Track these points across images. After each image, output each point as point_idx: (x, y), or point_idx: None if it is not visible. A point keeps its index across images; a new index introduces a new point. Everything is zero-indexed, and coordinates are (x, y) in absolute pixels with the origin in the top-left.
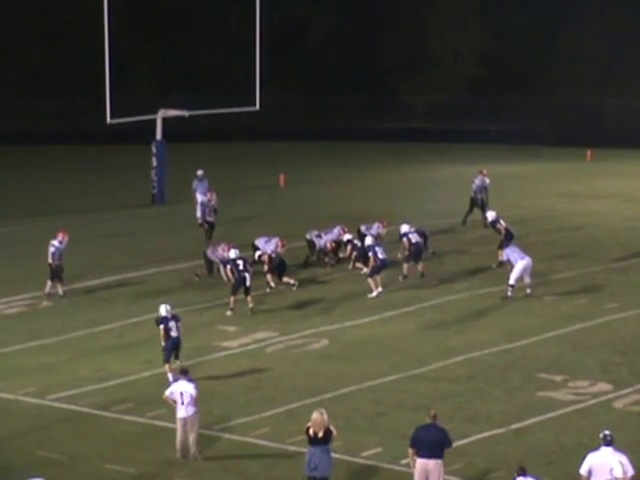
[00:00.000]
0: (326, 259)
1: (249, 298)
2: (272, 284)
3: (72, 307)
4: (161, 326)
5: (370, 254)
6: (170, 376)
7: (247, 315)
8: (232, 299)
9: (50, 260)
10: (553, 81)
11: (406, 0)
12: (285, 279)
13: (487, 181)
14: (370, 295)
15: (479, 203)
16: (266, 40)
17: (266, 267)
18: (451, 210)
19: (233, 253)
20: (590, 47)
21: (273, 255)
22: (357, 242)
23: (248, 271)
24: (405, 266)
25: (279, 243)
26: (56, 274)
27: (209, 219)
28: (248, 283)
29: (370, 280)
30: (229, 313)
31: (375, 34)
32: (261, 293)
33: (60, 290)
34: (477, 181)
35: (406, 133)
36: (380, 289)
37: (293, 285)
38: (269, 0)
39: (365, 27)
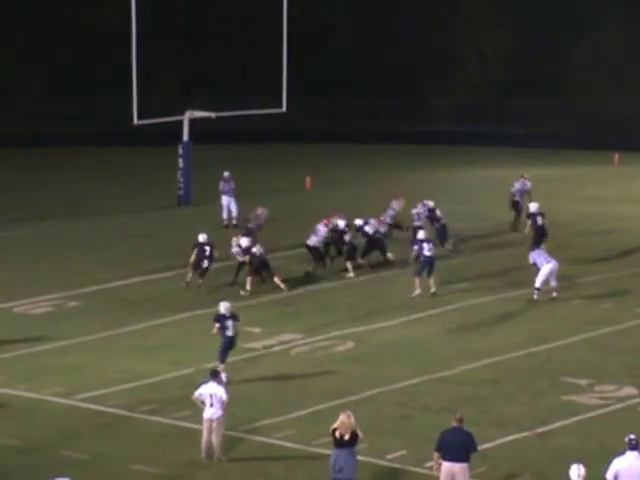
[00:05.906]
0: (330, 253)
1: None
2: (282, 286)
3: (98, 307)
4: (217, 324)
5: (415, 247)
6: (224, 376)
7: (272, 317)
8: (189, 274)
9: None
10: (580, 84)
11: (432, 3)
12: (277, 280)
13: (528, 184)
14: (413, 294)
15: (519, 207)
16: (293, 42)
17: (251, 269)
18: (480, 212)
19: (201, 237)
20: (616, 50)
21: (257, 254)
22: (368, 230)
23: (211, 258)
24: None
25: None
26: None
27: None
28: (205, 264)
29: (416, 279)
30: (183, 285)
31: (400, 37)
32: (284, 295)
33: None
34: (517, 185)
35: (432, 136)
36: (418, 291)
37: (283, 290)
38: (296, 2)
39: (391, 30)
